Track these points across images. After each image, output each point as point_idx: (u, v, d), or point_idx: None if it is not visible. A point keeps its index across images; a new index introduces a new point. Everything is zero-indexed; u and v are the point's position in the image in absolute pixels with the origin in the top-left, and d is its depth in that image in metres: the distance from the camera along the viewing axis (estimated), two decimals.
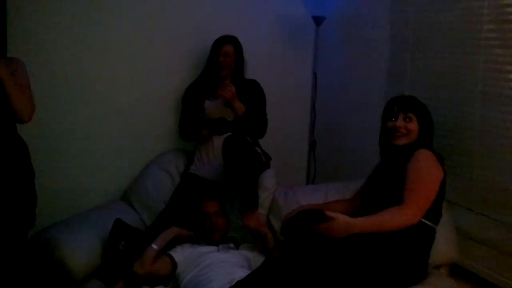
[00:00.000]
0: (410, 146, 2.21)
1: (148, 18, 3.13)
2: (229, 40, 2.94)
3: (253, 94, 2.96)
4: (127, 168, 3.13)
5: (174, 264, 2.35)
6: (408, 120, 2.23)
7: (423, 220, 2.05)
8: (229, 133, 2.78)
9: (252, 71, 3.13)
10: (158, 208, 2.87)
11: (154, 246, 2.33)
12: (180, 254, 2.38)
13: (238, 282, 2.08)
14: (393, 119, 2.26)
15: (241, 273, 2.21)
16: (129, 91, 3.12)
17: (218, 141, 2.80)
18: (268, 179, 2.87)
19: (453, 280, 2.28)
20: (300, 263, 2.00)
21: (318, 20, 3.37)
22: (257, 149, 2.86)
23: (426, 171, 2.08)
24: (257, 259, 2.41)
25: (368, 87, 3.20)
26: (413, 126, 2.23)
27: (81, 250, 2.45)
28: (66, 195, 3.02)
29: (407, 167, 2.10)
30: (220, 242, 2.49)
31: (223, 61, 2.89)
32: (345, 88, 3.45)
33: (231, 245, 2.52)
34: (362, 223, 1.98)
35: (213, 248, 2.44)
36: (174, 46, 3.20)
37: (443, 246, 2.32)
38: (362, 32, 3.28)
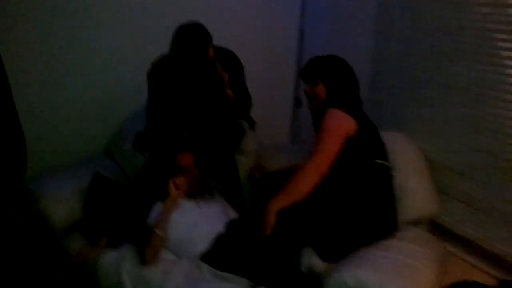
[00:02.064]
0: (322, 107, 2.27)
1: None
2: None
3: (232, 68, 2.75)
4: (107, 121, 3.11)
5: None
6: (315, 84, 2.31)
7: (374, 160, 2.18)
8: None
9: (236, 26, 3.07)
10: (139, 161, 2.81)
11: (159, 233, 2.24)
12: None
13: (219, 237, 2.23)
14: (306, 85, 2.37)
15: (221, 227, 2.31)
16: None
17: None
18: (250, 143, 2.87)
19: (430, 235, 2.31)
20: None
21: None
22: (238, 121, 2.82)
23: (327, 128, 2.16)
24: (231, 209, 2.52)
25: (356, 44, 3.16)
26: (319, 89, 2.30)
27: (62, 202, 2.47)
28: (52, 147, 2.97)
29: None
30: (197, 194, 2.48)
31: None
32: (332, 45, 3.41)
33: (207, 195, 2.53)
34: (276, 201, 2.07)
35: (193, 205, 2.42)
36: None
37: (421, 202, 2.35)
38: None
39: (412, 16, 2.71)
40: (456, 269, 2.23)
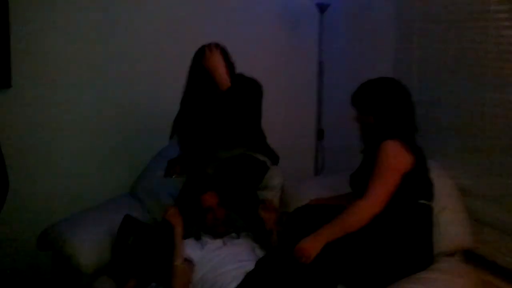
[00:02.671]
0: (377, 137, 2.19)
1: (148, 15, 3.12)
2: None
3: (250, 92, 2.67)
4: (133, 161, 3.13)
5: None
6: (364, 114, 2.26)
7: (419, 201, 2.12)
8: None
9: (256, 62, 3.09)
10: (166, 202, 2.83)
11: (177, 263, 2.26)
12: (194, 254, 2.35)
13: (248, 273, 2.16)
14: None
15: (250, 265, 2.25)
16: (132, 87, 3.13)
17: None
18: (274, 178, 2.83)
19: (465, 266, 2.25)
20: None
21: (322, 8, 3.35)
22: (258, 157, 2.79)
23: (385, 165, 2.09)
24: (258, 248, 2.45)
25: (375, 74, 3.16)
26: (370, 119, 2.23)
27: (90, 246, 2.44)
28: (73, 192, 3.07)
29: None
30: (224, 234, 2.46)
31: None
32: (351, 76, 3.40)
33: (234, 234, 2.48)
34: (326, 230, 2.04)
35: (219, 242, 2.41)
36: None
37: (455, 232, 2.31)
38: (368, 18, 3.25)
39: (431, 40, 2.70)
40: None
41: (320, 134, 3.62)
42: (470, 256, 2.41)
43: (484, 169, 2.46)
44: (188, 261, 2.31)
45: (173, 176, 2.75)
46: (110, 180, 3.15)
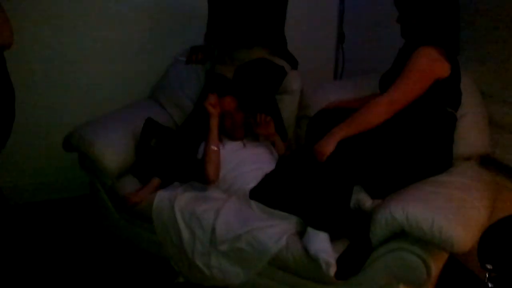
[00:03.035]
0: (417, 38, 2.14)
1: None
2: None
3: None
4: (153, 65, 3.14)
5: None
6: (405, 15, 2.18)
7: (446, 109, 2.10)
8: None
9: None
10: (185, 105, 2.90)
11: (214, 147, 2.34)
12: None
13: (267, 174, 2.28)
14: None
15: (269, 167, 2.36)
16: None
17: None
18: (293, 82, 2.82)
19: (481, 169, 2.26)
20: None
21: None
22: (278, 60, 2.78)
23: (417, 66, 2.05)
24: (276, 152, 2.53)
25: None
26: (411, 20, 2.16)
27: (114, 148, 2.51)
28: (96, 96, 3.13)
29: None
30: (242, 138, 2.52)
31: None
32: None
33: (252, 138, 2.54)
34: (340, 128, 2.04)
35: (239, 144, 2.49)
36: None
37: (474, 137, 2.30)
38: None
39: None
40: (509, 202, 2.19)
41: (341, 37, 3.54)
42: (486, 161, 2.41)
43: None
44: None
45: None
46: (130, 85, 3.18)
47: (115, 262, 2.58)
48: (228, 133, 2.53)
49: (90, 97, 3.16)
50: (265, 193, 2.23)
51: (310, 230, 1.98)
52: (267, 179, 2.28)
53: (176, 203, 2.27)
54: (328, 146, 2.02)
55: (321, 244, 1.92)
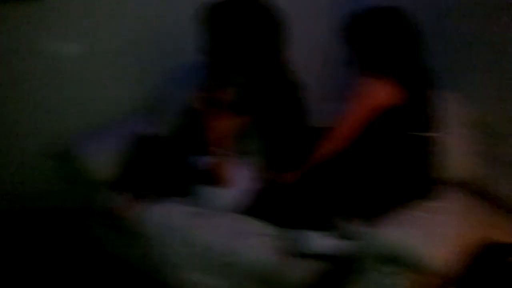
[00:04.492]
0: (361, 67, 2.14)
1: None
2: None
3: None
4: (145, 79, 3.14)
5: None
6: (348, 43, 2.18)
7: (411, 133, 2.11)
8: None
9: None
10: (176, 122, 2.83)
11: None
12: None
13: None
14: None
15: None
16: None
17: None
18: None
19: (471, 197, 2.30)
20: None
21: None
22: None
23: (357, 99, 2.08)
24: None
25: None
26: (352, 49, 2.16)
27: (105, 161, 2.49)
28: (87, 110, 3.10)
29: None
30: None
31: None
32: None
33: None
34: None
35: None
36: None
37: (463, 163, 2.34)
38: None
39: None
40: (498, 230, 2.19)
41: None
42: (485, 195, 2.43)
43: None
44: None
45: None
46: (124, 98, 3.16)
47: (103, 276, 2.55)
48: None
49: (80, 109, 3.12)
50: (257, 212, 2.25)
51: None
52: (260, 197, 2.31)
53: (167, 218, 2.26)
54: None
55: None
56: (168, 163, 2.48)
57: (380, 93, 2.04)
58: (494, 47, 2.40)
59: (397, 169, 2.12)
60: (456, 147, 2.31)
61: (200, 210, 2.30)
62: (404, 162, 2.13)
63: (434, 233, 1.89)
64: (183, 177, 2.43)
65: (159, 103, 2.97)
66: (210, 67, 2.53)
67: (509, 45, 2.32)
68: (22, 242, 2.80)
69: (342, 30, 2.15)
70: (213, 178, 2.34)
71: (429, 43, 2.15)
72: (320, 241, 2.07)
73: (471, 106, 2.43)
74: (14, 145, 3.06)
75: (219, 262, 2.10)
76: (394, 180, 2.11)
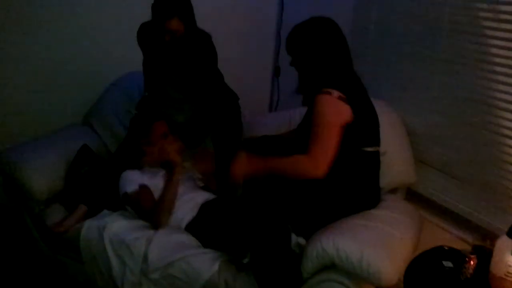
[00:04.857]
0: (312, 86, 2.08)
1: None
2: (180, 14, 2.32)
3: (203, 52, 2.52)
4: (87, 91, 3.07)
5: None
6: (295, 60, 2.16)
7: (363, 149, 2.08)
8: None
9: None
10: (119, 132, 2.84)
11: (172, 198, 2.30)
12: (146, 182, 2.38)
13: (202, 208, 2.28)
14: None
15: (199, 197, 2.35)
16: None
17: None
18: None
19: (407, 203, 2.36)
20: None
21: None
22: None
23: (323, 121, 1.99)
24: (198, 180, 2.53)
25: (336, 12, 3.09)
26: (301, 64, 2.14)
27: (43, 172, 2.43)
28: (27, 117, 2.99)
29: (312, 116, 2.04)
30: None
31: (170, 40, 2.37)
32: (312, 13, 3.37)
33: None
34: (266, 160, 2.07)
35: (160, 171, 2.43)
36: None
37: (399, 171, 2.40)
38: None
39: None
40: (431, 235, 2.28)
41: (277, 71, 3.63)
42: (411, 194, 2.55)
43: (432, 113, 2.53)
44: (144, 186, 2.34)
45: None
46: (62, 109, 3.07)
47: None
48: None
49: (19, 116, 3.00)
50: (201, 226, 2.22)
51: None
52: (204, 214, 2.27)
53: (105, 232, 2.21)
54: (240, 171, 2.09)
55: None
56: (108, 180, 2.45)
57: (341, 110, 1.99)
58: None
59: (348, 182, 2.10)
60: (394, 154, 2.36)
61: (136, 222, 2.28)
62: (356, 178, 2.12)
63: (385, 245, 1.88)
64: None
65: (101, 113, 2.93)
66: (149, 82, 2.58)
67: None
68: None
69: (289, 46, 2.16)
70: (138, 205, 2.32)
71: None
72: None
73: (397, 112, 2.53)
74: None
75: (160, 274, 2.08)
76: (343, 191, 2.10)
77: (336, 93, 1.98)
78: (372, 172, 2.18)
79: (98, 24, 3.03)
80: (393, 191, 2.42)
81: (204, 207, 2.30)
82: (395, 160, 2.37)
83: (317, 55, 2.07)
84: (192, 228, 2.24)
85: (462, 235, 2.37)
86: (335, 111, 2.00)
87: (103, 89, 3.04)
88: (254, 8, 3.51)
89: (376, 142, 2.16)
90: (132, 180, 2.35)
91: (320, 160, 1.96)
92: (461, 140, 2.37)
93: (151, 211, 2.25)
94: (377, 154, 2.17)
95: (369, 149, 2.11)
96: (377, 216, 2.08)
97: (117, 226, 2.24)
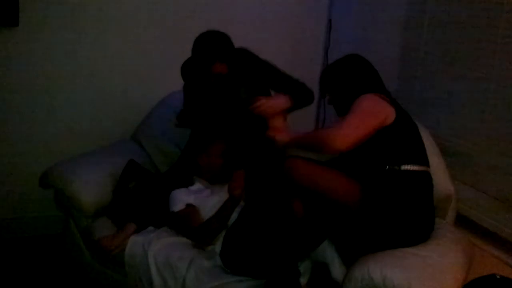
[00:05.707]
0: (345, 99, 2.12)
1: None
2: (220, 58, 2.38)
3: (253, 67, 2.53)
4: (136, 107, 3.14)
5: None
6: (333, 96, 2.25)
7: (406, 168, 1.97)
8: None
9: (263, 20, 3.12)
10: (167, 150, 2.89)
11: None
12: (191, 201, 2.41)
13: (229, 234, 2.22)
14: None
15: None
16: None
17: None
18: None
19: (457, 230, 2.23)
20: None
21: None
22: None
23: (361, 107, 1.96)
24: None
25: (384, 38, 3.14)
26: (338, 98, 2.21)
27: (92, 186, 2.47)
28: (74, 136, 3.13)
29: None
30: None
31: (215, 80, 2.46)
32: (360, 35, 3.38)
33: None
34: (298, 136, 2.19)
35: (206, 188, 2.50)
36: None
37: (440, 181, 2.24)
38: None
39: (444, 5, 2.67)
40: (482, 262, 2.20)
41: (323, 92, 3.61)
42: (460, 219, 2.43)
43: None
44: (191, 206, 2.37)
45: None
46: (111, 126, 3.18)
47: None
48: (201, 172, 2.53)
49: (70, 132, 3.13)
50: (230, 256, 2.16)
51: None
52: (230, 239, 2.21)
53: (150, 248, 2.23)
54: (284, 139, 2.21)
55: None
56: (156, 197, 2.48)
57: (386, 107, 1.99)
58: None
59: (408, 212, 1.98)
60: (438, 177, 2.23)
61: (180, 240, 2.31)
62: (413, 201, 1.99)
63: (433, 277, 1.81)
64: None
65: (148, 129, 2.98)
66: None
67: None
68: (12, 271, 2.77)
69: (323, 86, 2.28)
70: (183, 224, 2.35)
71: None
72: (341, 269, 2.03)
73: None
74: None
75: None
76: (402, 226, 1.97)
77: (378, 95, 2.00)
78: (425, 197, 2.04)
79: (146, 46, 3.14)
80: (442, 215, 2.28)
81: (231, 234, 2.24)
82: (443, 184, 2.25)
83: (352, 85, 2.13)
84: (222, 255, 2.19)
85: None
86: (377, 104, 1.99)
87: (150, 108, 3.08)
88: (301, 28, 3.54)
89: (424, 161, 2.05)
90: (180, 199, 2.38)
91: (341, 133, 1.91)
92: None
93: (199, 228, 2.27)
94: (427, 175, 2.05)
95: (416, 168, 1.99)
96: (427, 244, 1.98)
97: (162, 243, 2.26)
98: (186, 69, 2.59)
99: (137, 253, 2.26)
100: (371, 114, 1.96)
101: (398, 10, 3.01)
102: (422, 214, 2.02)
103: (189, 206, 2.36)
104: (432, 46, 2.78)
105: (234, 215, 2.30)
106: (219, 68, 2.38)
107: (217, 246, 2.24)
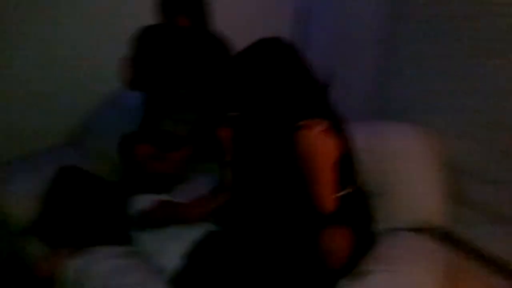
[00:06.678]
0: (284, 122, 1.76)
1: None
2: (187, 11, 2.35)
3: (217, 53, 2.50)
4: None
5: None
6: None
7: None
8: None
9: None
10: (112, 156, 2.55)
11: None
12: None
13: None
14: None
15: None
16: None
17: None
18: None
19: (432, 244, 2.07)
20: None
21: None
22: None
23: (315, 155, 1.70)
24: None
25: (363, 25, 2.93)
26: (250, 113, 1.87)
27: (21, 197, 2.24)
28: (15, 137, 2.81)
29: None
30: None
31: (178, 36, 2.42)
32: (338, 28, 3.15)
33: None
34: None
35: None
36: None
37: (424, 209, 2.13)
38: None
39: None
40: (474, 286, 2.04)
41: None
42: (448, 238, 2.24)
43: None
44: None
45: None
46: (47, 127, 2.89)
47: None
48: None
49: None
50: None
51: None
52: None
53: (94, 272, 1.94)
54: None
55: None
56: (102, 207, 2.20)
57: (334, 146, 1.73)
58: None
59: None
60: (419, 191, 2.12)
61: (128, 262, 2.00)
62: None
63: None
64: (117, 223, 2.14)
65: (92, 131, 2.77)
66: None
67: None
68: None
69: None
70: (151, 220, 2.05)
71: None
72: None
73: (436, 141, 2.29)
74: None
75: None
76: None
77: (316, 127, 1.68)
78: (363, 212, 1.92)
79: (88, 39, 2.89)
80: (418, 229, 2.12)
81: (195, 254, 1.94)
82: (418, 194, 2.11)
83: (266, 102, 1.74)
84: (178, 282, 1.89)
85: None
86: (327, 145, 1.70)
87: (92, 106, 2.88)
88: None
89: (352, 179, 1.87)
90: (143, 198, 2.14)
91: (325, 192, 1.74)
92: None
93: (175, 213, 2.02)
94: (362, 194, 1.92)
95: (343, 192, 1.80)
96: (396, 258, 1.86)
97: (108, 266, 1.96)
98: (145, 29, 2.51)
99: (78, 278, 1.95)
100: (327, 161, 1.72)
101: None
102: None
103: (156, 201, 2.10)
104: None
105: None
106: (184, 21, 2.33)
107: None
